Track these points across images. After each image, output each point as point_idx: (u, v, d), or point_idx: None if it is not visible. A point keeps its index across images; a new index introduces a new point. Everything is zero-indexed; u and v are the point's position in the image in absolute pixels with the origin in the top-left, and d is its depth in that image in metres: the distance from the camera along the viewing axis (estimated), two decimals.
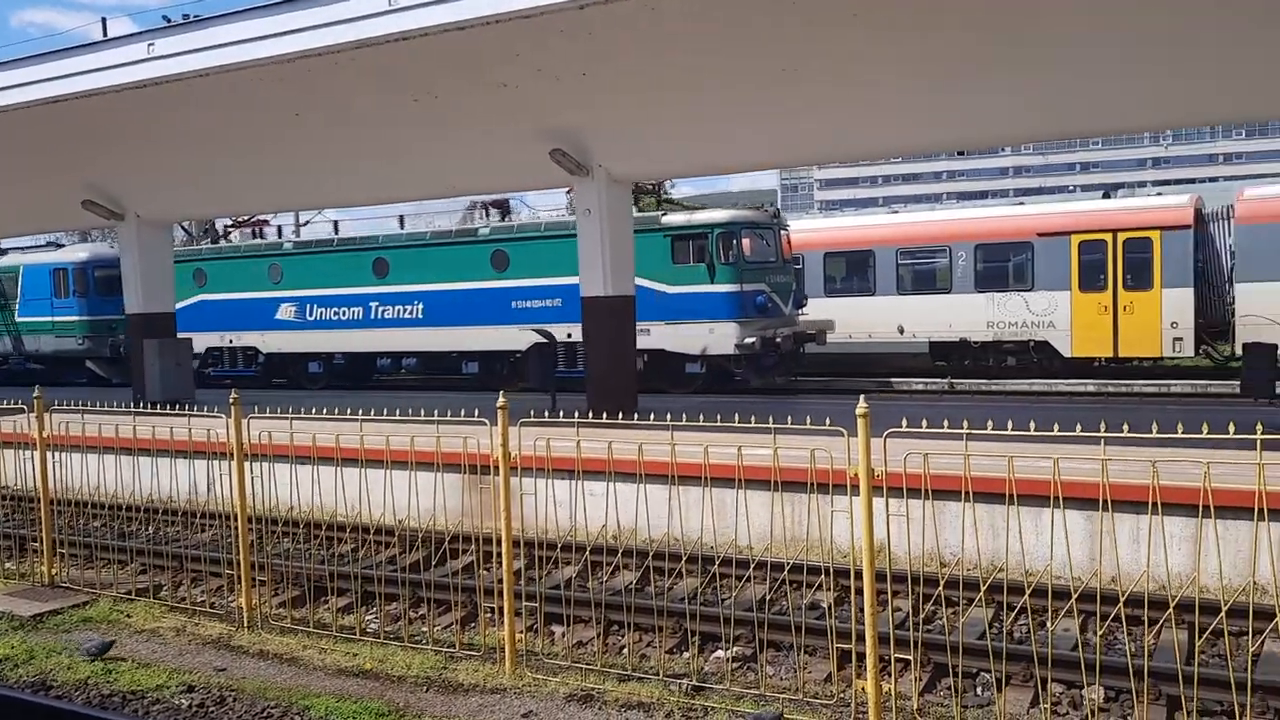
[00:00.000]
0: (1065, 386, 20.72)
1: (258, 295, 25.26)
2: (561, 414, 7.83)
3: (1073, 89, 11.70)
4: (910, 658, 6.62)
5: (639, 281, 20.01)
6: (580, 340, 20.42)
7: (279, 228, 27.43)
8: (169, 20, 14.43)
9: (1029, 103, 12.05)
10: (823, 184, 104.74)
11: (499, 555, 7.16)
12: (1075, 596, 5.89)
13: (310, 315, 24.51)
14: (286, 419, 8.78)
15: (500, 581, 7.14)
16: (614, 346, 14.86)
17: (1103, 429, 5.27)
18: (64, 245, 30.86)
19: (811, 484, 6.37)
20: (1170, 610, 5.51)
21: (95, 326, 27.49)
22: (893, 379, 22.69)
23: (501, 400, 7.07)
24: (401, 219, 25.00)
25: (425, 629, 8.11)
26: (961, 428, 5.76)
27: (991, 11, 10.82)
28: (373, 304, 23.47)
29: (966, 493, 5.95)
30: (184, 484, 11.61)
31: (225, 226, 27.66)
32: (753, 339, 19.49)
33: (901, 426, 5.83)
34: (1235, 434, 5.03)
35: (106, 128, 16.17)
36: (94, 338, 27.53)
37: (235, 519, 8.39)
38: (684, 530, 8.81)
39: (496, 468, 7.09)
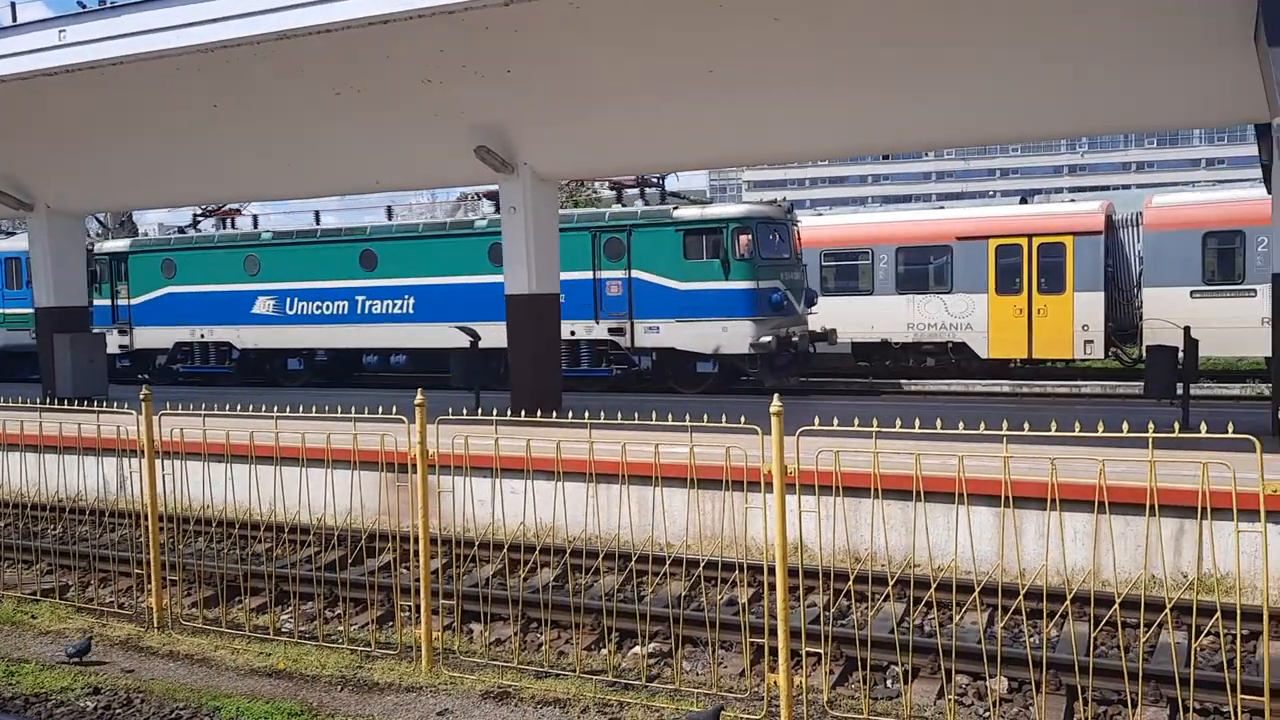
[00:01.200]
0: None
1: (232, 288, 24.05)
2: (481, 412, 7.84)
3: (990, 96, 12.01)
4: (824, 652, 6.77)
5: (648, 277, 19.69)
6: (588, 338, 20.10)
7: (255, 217, 26.05)
8: (84, 5, 14.05)
9: (949, 109, 12.32)
10: (751, 185, 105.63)
11: (416, 553, 7.14)
12: (978, 590, 6.06)
13: (291, 309, 23.40)
14: (200, 415, 8.63)
15: (418, 580, 7.11)
16: (538, 345, 14.85)
17: (1005, 428, 5.44)
18: (15, 233, 29.12)
19: (726, 481, 6.47)
20: (1066, 603, 5.70)
21: None
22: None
23: (419, 398, 7.05)
24: (389, 209, 23.99)
25: (341, 628, 8.05)
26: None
27: (912, 18, 11.05)
28: (359, 298, 22.48)
29: (876, 490, 6.10)
30: (94, 482, 11.34)
31: (195, 215, 26.22)
32: (768, 338, 18.90)
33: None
34: (1129, 433, 5.23)
35: (15, 116, 15.69)
36: None
37: (146, 518, 8.22)
38: (606, 527, 8.88)
39: (414, 466, 7.08)
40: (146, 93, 14.26)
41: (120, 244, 26.33)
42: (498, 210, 21.82)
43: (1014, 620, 7.59)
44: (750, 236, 19.15)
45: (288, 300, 23.43)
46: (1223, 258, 20.22)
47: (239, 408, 9.39)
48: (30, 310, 25.69)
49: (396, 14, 11.27)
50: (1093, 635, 7.07)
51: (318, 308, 23.07)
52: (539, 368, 14.90)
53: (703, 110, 13.00)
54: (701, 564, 8.14)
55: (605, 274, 20.02)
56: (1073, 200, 24.24)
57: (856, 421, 5.83)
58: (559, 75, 12.83)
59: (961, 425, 5.82)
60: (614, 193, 22.87)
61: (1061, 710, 6.30)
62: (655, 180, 21.03)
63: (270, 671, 7.26)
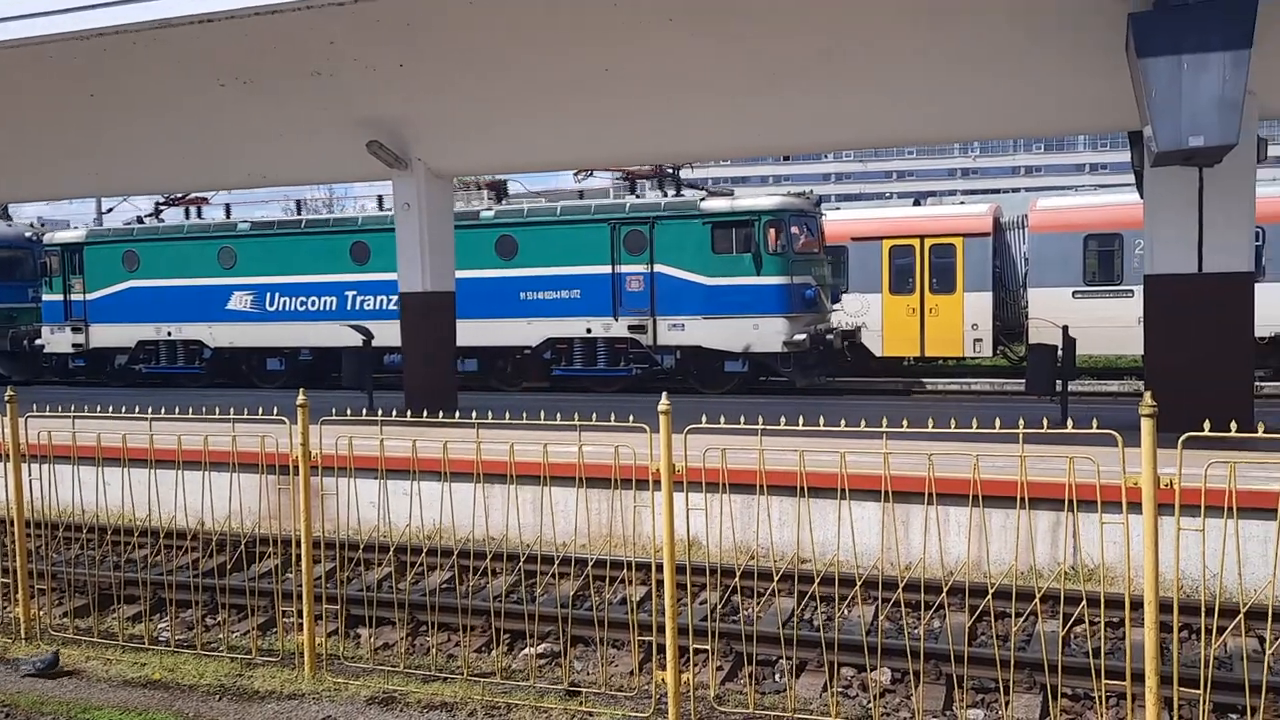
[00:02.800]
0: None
1: (204, 282, 22.39)
2: (380, 412, 7.68)
3: (886, 100, 12.26)
4: (715, 648, 6.82)
5: (672, 271, 18.81)
6: (605, 336, 19.17)
7: (226, 206, 24.34)
8: None
9: (847, 111, 12.55)
10: (654, 183, 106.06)
11: (298, 557, 6.97)
12: (859, 584, 6.16)
13: (271, 305, 21.86)
14: (69, 417, 8.28)
15: (302, 585, 6.94)
16: (432, 344, 14.67)
17: (884, 424, 5.55)
18: None
19: (615, 480, 6.45)
20: (943, 595, 5.83)
21: None
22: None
23: (301, 398, 6.88)
24: (380, 199, 22.42)
25: (221, 636, 7.81)
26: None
27: (808, 22, 11.21)
28: (349, 293, 21.12)
29: (762, 486, 6.15)
30: None
31: (157, 204, 24.48)
32: (802, 335, 18.10)
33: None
34: (1001, 429, 5.38)
35: None
36: None
37: (11, 524, 7.86)
38: (497, 528, 8.80)
39: (296, 467, 6.90)
40: (19, 79, 13.65)
41: (75, 234, 24.56)
42: (499, 199, 21.08)
43: (900, 612, 7.75)
44: (783, 229, 18.37)
45: (268, 295, 21.93)
46: (1102, 259, 21.01)
47: (125, 409, 9.04)
48: None
49: (283, 5, 11.02)
50: (969, 625, 7.25)
51: (302, 303, 21.61)
52: (433, 367, 14.71)
53: (600, 110, 13.00)
54: (590, 563, 8.13)
55: (625, 268, 19.11)
56: (962, 203, 24.92)
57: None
58: (453, 71, 12.68)
59: (843, 422, 5.91)
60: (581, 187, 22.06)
61: (941, 699, 6.47)
62: (671, 170, 20.06)
63: (145, 682, 7.01)
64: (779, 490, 8.64)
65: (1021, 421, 5.37)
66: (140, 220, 24.61)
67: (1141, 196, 11.57)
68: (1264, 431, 5.21)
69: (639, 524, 8.86)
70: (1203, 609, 5.31)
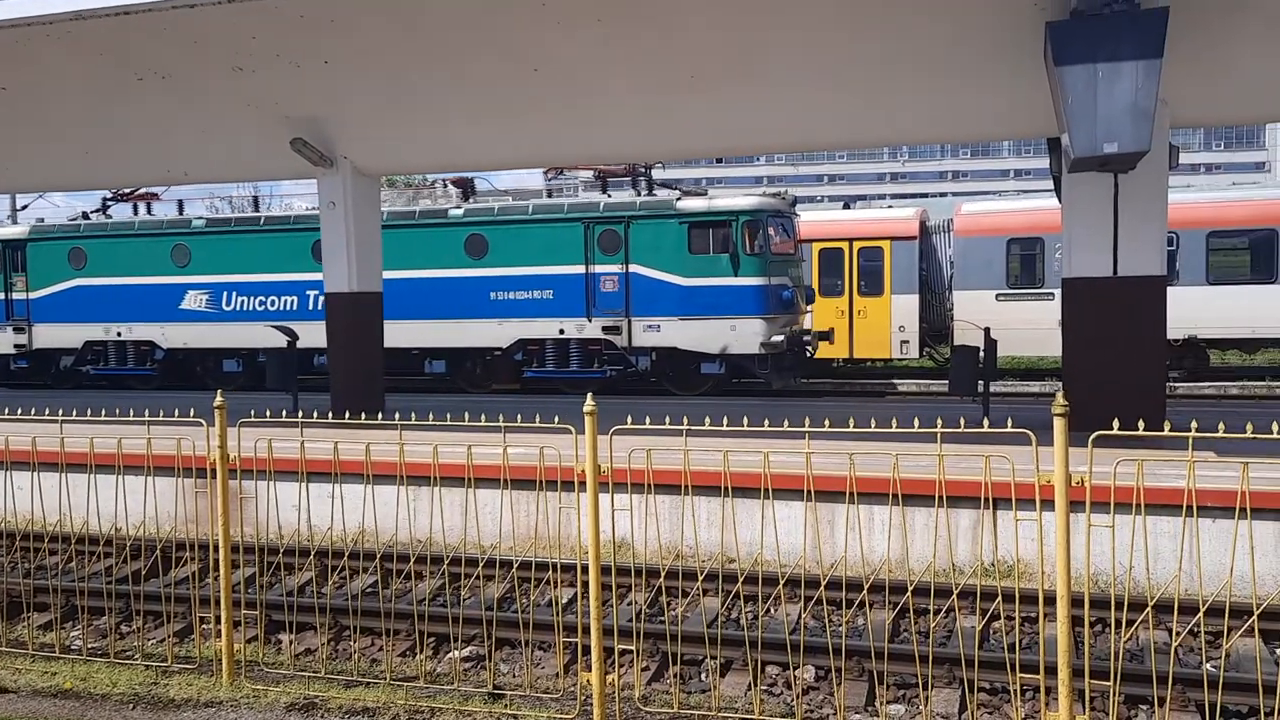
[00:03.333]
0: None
1: (156, 280, 21.55)
2: (301, 415, 7.56)
3: (816, 104, 12.36)
4: (641, 649, 6.82)
5: (648, 272, 18.42)
6: (579, 337, 18.76)
7: (180, 202, 23.18)
8: None
9: (779, 114, 12.60)
10: (587, 185, 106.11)
11: (217, 562, 6.82)
12: (784, 583, 6.21)
13: (228, 305, 21.10)
14: None
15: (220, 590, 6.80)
16: (359, 345, 14.46)
17: (807, 424, 5.60)
18: None
19: (540, 482, 6.43)
20: (864, 593, 5.90)
21: None
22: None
23: (219, 400, 6.74)
24: None
25: (136, 644, 7.61)
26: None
27: (737, 25, 11.26)
28: (310, 292, 20.40)
29: (686, 487, 6.17)
30: None
31: (104, 199, 23.29)
32: (779, 337, 18.02)
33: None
34: (920, 429, 5.46)
35: None
36: None
37: None
38: (422, 531, 8.71)
39: (214, 470, 6.75)
40: None
41: (16, 230, 23.45)
42: (466, 197, 20.57)
43: (824, 610, 7.83)
44: (760, 230, 18.22)
45: (224, 295, 21.16)
46: (1025, 263, 21.47)
47: (33, 411, 8.76)
48: None
49: (203, 0, 10.78)
50: (891, 622, 7.35)
51: (261, 303, 20.89)
52: (360, 369, 14.51)
53: (528, 109, 12.93)
54: (515, 564, 8.08)
55: (599, 268, 18.83)
56: (890, 206, 25.29)
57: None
58: (379, 68, 12.52)
59: (766, 422, 5.96)
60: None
61: (863, 695, 6.55)
62: (644, 169, 19.75)
63: (55, 692, 6.81)
64: (706, 490, 8.69)
65: (939, 421, 5.46)
66: (86, 216, 23.61)
67: (1060, 201, 11.85)
68: (1170, 430, 5.36)
69: (566, 525, 8.86)
70: (1113, 603, 5.45)
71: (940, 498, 5.33)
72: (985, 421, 5.43)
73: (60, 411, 7.59)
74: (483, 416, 6.87)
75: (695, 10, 11.12)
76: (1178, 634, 6.32)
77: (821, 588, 6.44)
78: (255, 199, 25.04)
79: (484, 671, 7.13)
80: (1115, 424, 4.99)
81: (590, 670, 6.01)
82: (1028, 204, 22.77)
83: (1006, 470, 5.36)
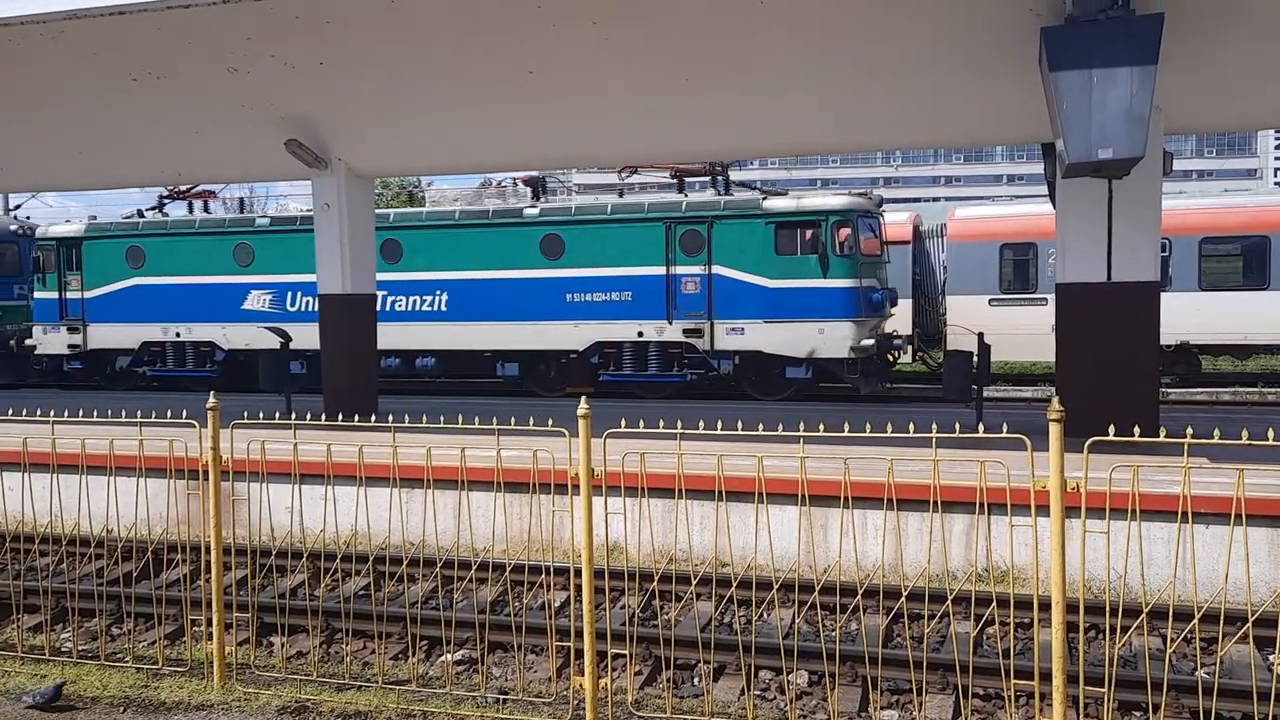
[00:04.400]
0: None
1: (218, 280, 21.04)
2: (294, 416, 7.53)
3: (811, 108, 12.38)
4: (634, 652, 6.81)
5: (732, 273, 17.99)
6: (658, 340, 18.32)
7: (240, 200, 22.69)
8: None
9: (773, 118, 12.62)
10: (581, 188, 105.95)
11: (209, 564, 6.79)
12: (778, 587, 6.20)
13: (292, 305, 20.61)
14: None
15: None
16: (352, 346, 14.44)
17: (801, 428, 5.59)
18: None
19: (534, 485, 6.41)
20: (858, 598, 5.90)
21: None
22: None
23: (212, 401, 6.71)
24: (411, 195, 21.63)
25: (128, 646, 7.58)
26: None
27: (733, 28, 11.27)
28: (380, 293, 19.93)
29: (680, 490, 6.16)
30: None
31: (161, 197, 22.74)
32: (870, 340, 17.48)
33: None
34: (914, 434, 5.45)
35: None
36: None
37: None
38: (415, 533, 8.67)
39: (207, 472, 6.72)
40: None
41: (72, 228, 22.89)
42: (536, 196, 20.22)
43: (817, 615, 7.82)
44: (850, 230, 17.72)
45: (289, 295, 20.67)
46: (1018, 268, 21.51)
47: (25, 412, 8.72)
48: None
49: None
50: (885, 627, 7.34)
51: None
52: (354, 370, 14.48)
53: (523, 112, 12.92)
54: (508, 568, 8.06)
55: (680, 269, 18.33)
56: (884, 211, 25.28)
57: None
58: (375, 70, 12.50)
59: (761, 426, 5.95)
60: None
61: (857, 700, 6.54)
62: (720, 168, 19.22)
63: None
64: (699, 494, 8.67)
65: (934, 426, 5.46)
66: (141, 214, 23.13)
67: (1054, 207, 11.87)
68: (1166, 436, 5.36)
69: (559, 529, 8.84)
70: (1107, 609, 5.44)
71: (935, 502, 5.32)
72: (980, 426, 5.43)
73: (52, 412, 7.56)
74: (477, 419, 6.85)
75: (689, 14, 11.12)
76: (1172, 640, 6.32)
77: (816, 592, 6.43)
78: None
79: (476, 675, 7.10)
80: (1111, 430, 4.98)
81: (583, 674, 6.00)
82: (1021, 209, 22.81)
83: (1001, 475, 5.36)
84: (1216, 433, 4.81)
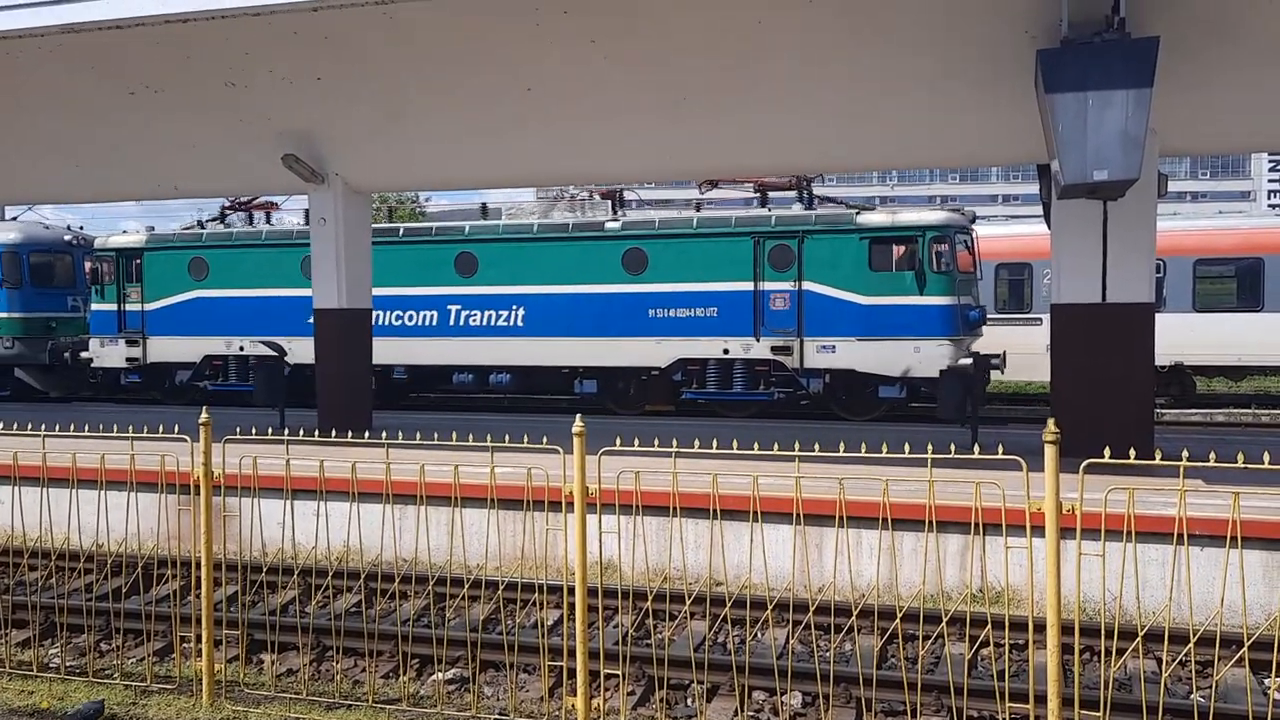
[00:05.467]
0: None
1: (284, 293, 20.35)
2: (287, 432, 7.50)
3: (801, 128, 12.41)
4: (627, 672, 6.76)
5: (823, 289, 17.53)
6: (744, 357, 17.83)
7: (305, 211, 22.05)
8: None
9: (771, 138, 12.65)
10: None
11: (199, 580, 6.74)
12: (772, 607, 6.16)
13: None
14: None
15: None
16: (348, 362, 14.41)
17: (796, 448, 5.57)
18: None
19: (528, 502, 6.38)
20: (853, 618, 5.86)
21: (30, 326, 22.06)
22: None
23: (204, 416, 6.67)
24: (484, 207, 20.62)
25: (116, 662, 7.51)
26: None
27: (731, 49, 11.31)
28: (453, 307, 19.60)
29: (675, 508, 6.13)
30: None
31: (223, 208, 22.24)
32: (967, 360, 16.50)
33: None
34: (910, 454, 5.44)
35: None
36: (28, 340, 22.02)
37: None
38: (407, 550, 8.63)
39: (198, 487, 6.68)
40: None
41: (132, 239, 22.33)
42: (613, 209, 19.73)
43: (812, 635, 7.78)
44: (948, 246, 17.23)
45: None
46: (1012, 288, 21.55)
47: (16, 426, 8.69)
48: (2, 315, 21.81)
49: (195, 13, 10.76)
50: (879, 648, 7.30)
51: (398, 318, 19.98)
52: (349, 386, 14.44)
53: (521, 129, 12.94)
54: (501, 585, 8.01)
55: (769, 285, 17.83)
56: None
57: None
58: (372, 85, 12.53)
59: (756, 446, 5.93)
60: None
61: None
62: (807, 181, 18.74)
63: (32, 711, 6.70)
64: (694, 513, 8.64)
65: (930, 446, 5.44)
66: (201, 225, 22.60)
67: (1049, 227, 11.89)
68: (1161, 458, 5.35)
69: (553, 546, 8.80)
70: (1103, 632, 5.42)
71: (930, 523, 5.30)
72: (975, 447, 5.41)
73: (44, 426, 7.52)
74: (470, 436, 6.83)
75: (687, 33, 11.16)
76: (1167, 663, 6.29)
77: (810, 612, 6.40)
78: (390, 210, 23.90)
79: (468, 694, 7.05)
80: (1106, 452, 4.97)
81: (575, 694, 5.95)
82: (1016, 229, 22.86)
83: (996, 496, 5.34)
84: (1212, 455, 4.80)
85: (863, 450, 5.44)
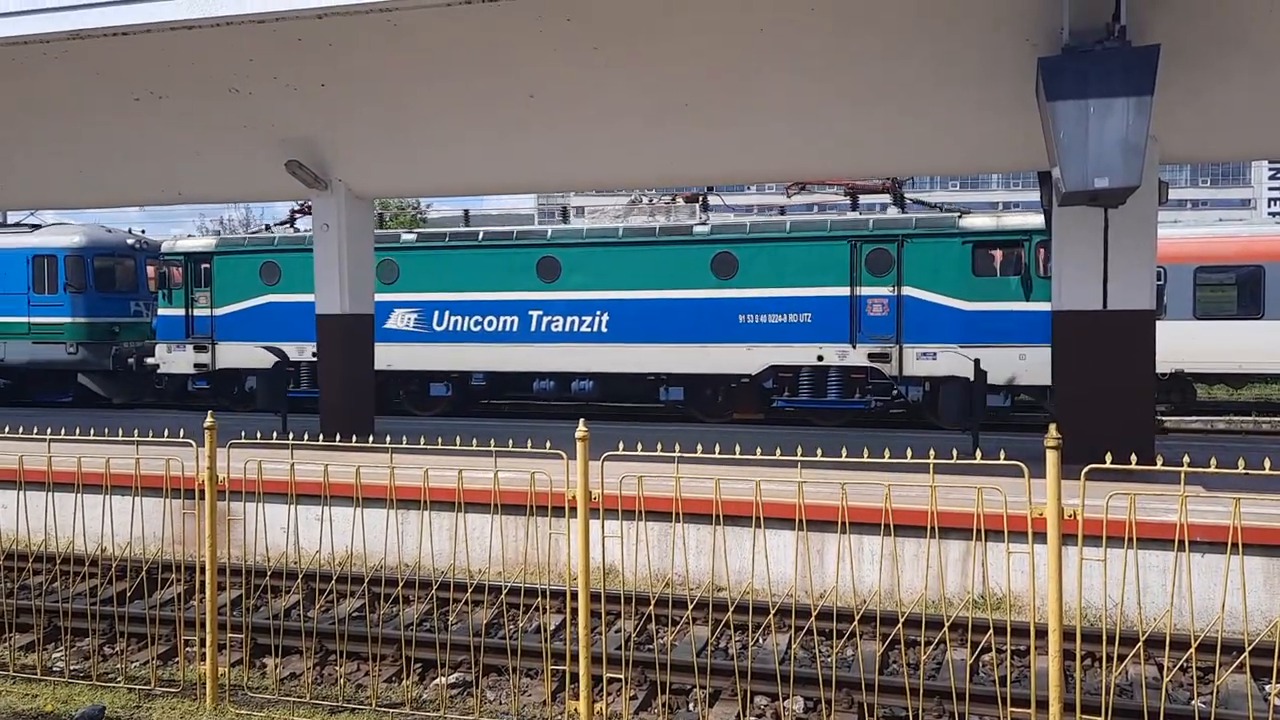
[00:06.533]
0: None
1: None
2: (291, 437, 7.53)
3: (802, 135, 12.44)
4: (629, 677, 6.78)
5: (924, 295, 17.10)
6: (840, 365, 17.33)
7: (380, 215, 21.32)
8: None
9: (771, 145, 12.68)
10: (580, 211, 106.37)
11: (203, 584, 6.76)
12: (774, 612, 6.19)
13: (439, 324, 19.73)
14: None
15: (205, 612, 6.73)
16: (350, 367, 14.43)
17: (799, 453, 5.59)
18: (43, 225, 23.40)
19: (530, 507, 6.40)
20: (855, 624, 5.88)
21: (94, 331, 21.76)
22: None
23: (209, 420, 6.70)
24: (565, 211, 20.75)
25: (120, 666, 7.53)
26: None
27: (733, 56, 11.35)
28: (534, 313, 19.22)
29: (678, 514, 6.16)
30: None
31: (293, 211, 21.84)
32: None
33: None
34: (912, 459, 5.46)
35: None
36: (92, 345, 21.73)
37: None
38: (411, 555, 8.65)
39: (203, 491, 6.71)
40: None
41: (202, 242, 21.92)
42: (701, 213, 19.23)
43: (813, 640, 7.80)
44: None
45: (435, 314, 19.80)
46: None
47: (21, 430, 8.71)
48: (66, 319, 21.60)
49: (201, 20, 10.79)
50: (881, 653, 7.32)
51: (476, 323, 19.55)
52: (352, 391, 14.47)
53: (524, 135, 12.98)
54: (504, 590, 8.03)
55: (866, 290, 17.39)
56: None
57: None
58: (376, 92, 12.57)
59: (759, 450, 5.95)
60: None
61: None
62: (897, 183, 18.25)
63: (36, 714, 6.73)
64: (696, 518, 8.66)
65: (932, 452, 5.47)
66: (269, 228, 22.18)
67: (1049, 233, 11.91)
68: (1163, 465, 5.37)
69: (555, 551, 8.82)
70: (1104, 637, 5.44)
71: (932, 528, 5.32)
72: (977, 453, 5.44)
73: (49, 430, 7.55)
74: (474, 441, 6.85)
75: (689, 40, 11.20)
76: (1168, 669, 6.31)
77: (812, 618, 6.42)
78: (465, 213, 23.55)
79: (471, 698, 7.07)
80: (1108, 458, 5.00)
81: (578, 698, 5.97)
82: None
83: (998, 502, 5.36)
84: (1213, 461, 4.82)
85: (865, 456, 5.46)
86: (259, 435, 7.45)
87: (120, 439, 7.22)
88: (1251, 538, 7.82)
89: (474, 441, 6.85)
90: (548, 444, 6.22)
